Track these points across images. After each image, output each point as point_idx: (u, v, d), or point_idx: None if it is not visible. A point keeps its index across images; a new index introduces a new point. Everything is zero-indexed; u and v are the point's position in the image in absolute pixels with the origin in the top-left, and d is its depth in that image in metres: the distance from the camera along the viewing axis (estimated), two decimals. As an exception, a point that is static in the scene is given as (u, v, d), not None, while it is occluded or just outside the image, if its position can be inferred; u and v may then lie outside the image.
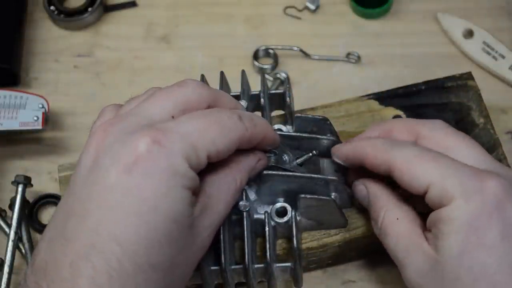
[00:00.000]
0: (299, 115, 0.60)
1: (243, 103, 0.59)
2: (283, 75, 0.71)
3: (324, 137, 0.58)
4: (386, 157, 0.53)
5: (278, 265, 0.55)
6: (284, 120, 0.62)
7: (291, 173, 0.56)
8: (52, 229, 0.47)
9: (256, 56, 0.73)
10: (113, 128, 0.48)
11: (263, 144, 0.53)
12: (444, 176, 0.50)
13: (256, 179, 0.57)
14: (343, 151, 0.56)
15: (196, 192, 0.48)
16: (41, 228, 0.65)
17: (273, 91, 0.61)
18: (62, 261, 0.45)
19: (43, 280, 0.45)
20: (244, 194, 0.56)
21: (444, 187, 0.50)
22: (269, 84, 0.70)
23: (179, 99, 0.50)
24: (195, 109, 0.50)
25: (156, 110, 0.49)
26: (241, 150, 0.52)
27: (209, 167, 0.50)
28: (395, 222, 0.54)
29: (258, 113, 0.59)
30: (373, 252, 0.62)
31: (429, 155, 0.51)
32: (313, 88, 0.72)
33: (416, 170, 0.51)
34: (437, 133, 0.54)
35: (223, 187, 0.51)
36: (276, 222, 0.56)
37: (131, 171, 0.45)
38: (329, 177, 0.56)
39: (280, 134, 0.58)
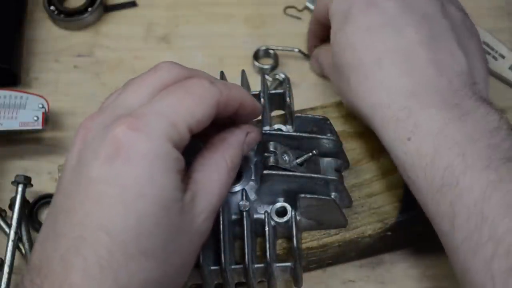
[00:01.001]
0: (299, 115, 0.60)
1: None
2: (282, 76, 0.71)
3: (324, 137, 0.58)
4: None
5: (278, 265, 0.55)
6: (284, 120, 0.62)
7: (291, 173, 0.56)
8: (44, 229, 0.48)
9: (256, 56, 0.73)
10: (93, 123, 0.48)
11: (243, 113, 0.52)
12: None
13: (256, 179, 0.57)
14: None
15: (184, 178, 0.48)
16: (40, 228, 0.65)
17: (273, 91, 0.61)
18: (54, 256, 0.45)
19: (37, 277, 0.45)
20: (244, 194, 0.56)
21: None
22: (269, 84, 0.70)
23: (155, 84, 0.49)
24: None
25: (133, 99, 0.49)
26: (225, 129, 0.52)
27: (196, 154, 0.50)
28: (324, 54, 0.67)
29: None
30: (373, 252, 0.62)
31: None
32: (313, 88, 0.72)
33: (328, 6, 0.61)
34: None
35: (212, 168, 0.50)
36: (276, 222, 0.56)
37: (113, 161, 0.45)
38: (329, 177, 0.56)
39: (280, 134, 0.58)
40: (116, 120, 0.47)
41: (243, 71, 0.60)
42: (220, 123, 0.52)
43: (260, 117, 0.60)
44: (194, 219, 0.48)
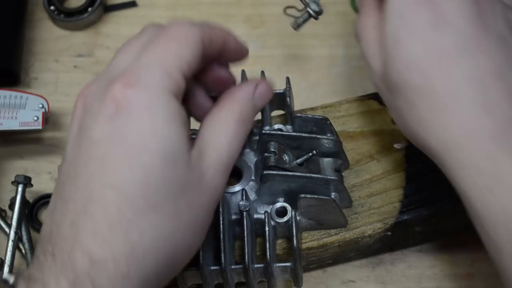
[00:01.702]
0: (299, 115, 0.60)
1: None
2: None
3: (324, 137, 0.58)
4: None
5: (278, 264, 0.55)
6: (284, 120, 0.62)
7: (291, 173, 0.56)
8: (52, 199, 0.47)
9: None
10: (89, 90, 0.48)
11: (229, 54, 0.51)
12: None
13: (256, 179, 0.57)
14: None
15: (188, 127, 0.47)
16: (41, 228, 0.65)
17: (273, 91, 0.61)
18: (63, 221, 0.44)
19: (48, 244, 0.45)
20: (244, 194, 0.56)
21: None
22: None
23: (142, 42, 0.49)
24: None
25: (123, 61, 0.48)
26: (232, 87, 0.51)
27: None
28: (370, 29, 0.54)
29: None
30: (373, 252, 0.62)
31: None
32: (313, 88, 0.72)
33: None
34: None
35: (219, 122, 0.49)
36: (276, 222, 0.56)
37: (113, 120, 0.45)
38: (329, 177, 0.56)
39: (280, 134, 0.58)
40: (111, 81, 0.46)
41: (243, 71, 0.60)
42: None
43: (260, 117, 0.60)
44: (203, 174, 0.47)
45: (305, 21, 0.64)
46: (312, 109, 0.64)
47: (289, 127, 0.61)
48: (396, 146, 0.62)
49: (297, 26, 0.64)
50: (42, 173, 0.68)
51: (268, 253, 0.54)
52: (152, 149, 0.44)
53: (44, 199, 0.66)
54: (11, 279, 0.45)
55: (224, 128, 0.49)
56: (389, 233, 0.59)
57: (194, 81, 0.52)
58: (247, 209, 0.55)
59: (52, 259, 0.44)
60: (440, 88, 0.48)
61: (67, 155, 0.48)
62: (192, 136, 0.50)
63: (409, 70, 0.49)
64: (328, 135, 0.59)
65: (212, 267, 0.54)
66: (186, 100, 0.52)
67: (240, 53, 0.53)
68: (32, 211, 0.66)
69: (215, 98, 0.53)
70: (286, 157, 0.57)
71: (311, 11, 0.60)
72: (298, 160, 0.57)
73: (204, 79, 0.52)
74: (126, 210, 0.43)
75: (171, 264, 0.46)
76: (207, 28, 0.49)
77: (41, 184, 0.67)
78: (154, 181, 0.44)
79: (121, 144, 0.44)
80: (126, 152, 0.44)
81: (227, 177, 0.49)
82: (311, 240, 0.58)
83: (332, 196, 0.57)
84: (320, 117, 0.60)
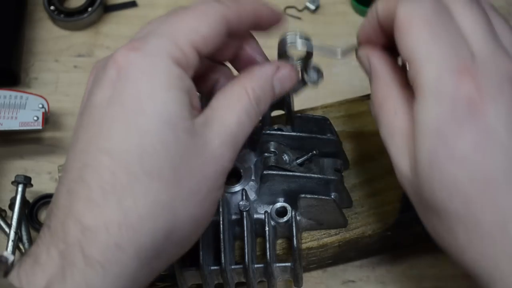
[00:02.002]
0: (299, 115, 0.60)
1: None
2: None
3: (324, 137, 0.58)
4: (394, 4, 0.46)
5: (278, 264, 0.55)
6: (284, 120, 0.62)
7: (291, 173, 0.56)
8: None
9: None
10: (101, 61, 0.47)
11: (263, 23, 0.50)
12: (428, 59, 0.44)
13: (256, 179, 0.57)
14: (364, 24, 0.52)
15: (195, 103, 0.46)
16: (41, 228, 0.65)
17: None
18: (61, 192, 0.44)
19: (48, 218, 0.44)
20: (244, 194, 0.56)
21: (419, 71, 0.44)
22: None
23: (164, 17, 0.48)
24: None
25: (140, 31, 0.47)
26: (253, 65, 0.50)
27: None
28: (391, 114, 0.48)
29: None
30: (373, 252, 0.62)
31: (437, 23, 0.45)
32: (313, 88, 0.72)
33: (408, 35, 0.45)
34: None
35: (231, 97, 0.47)
36: (276, 222, 0.56)
37: (114, 83, 0.44)
38: (329, 177, 0.56)
39: (280, 134, 0.58)
40: (120, 48, 0.46)
41: None
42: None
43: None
44: (207, 143, 0.45)
45: (299, 89, 0.55)
46: (312, 109, 0.64)
47: (289, 127, 0.61)
48: None
49: (294, 93, 0.58)
50: (42, 173, 0.68)
51: (268, 253, 0.54)
52: (149, 112, 0.43)
53: (44, 199, 0.66)
54: (10, 258, 0.44)
55: (235, 102, 0.47)
56: (389, 233, 0.59)
57: (221, 66, 0.51)
58: (247, 209, 0.55)
59: (47, 231, 0.43)
60: (484, 218, 0.43)
61: (75, 124, 0.46)
62: None
63: (448, 195, 0.44)
64: (328, 135, 0.59)
65: (212, 267, 0.54)
66: (210, 82, 0.51)
67: (275, 20, 0.50)
68: (32, 211, 0.66)
69: None
70: (286, 157, 0.57)
71: (308, 82, 0.53)
72: (298, 160, 0.57)
73: (236, 60, 0.51)
74: (120, 175, 0.42)
75: (173, 236, 0.44)
76: (235, 5, 0.47)
77: (41, 184, 0.67)
78: (150, 145, 0.42)
79: (119, 107, 0.43)
80: (122, 115, 0.43)
81: (235, 151, 0.46)
82: (311, 240, 0.58)
83: (332, 196, 0.57)
84: (320, 117, 0.60)
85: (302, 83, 0.52)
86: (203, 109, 0.47)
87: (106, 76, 0.45)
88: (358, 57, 0.52)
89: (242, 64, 0.52)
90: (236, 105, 0.47)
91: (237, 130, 0.46)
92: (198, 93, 0.47)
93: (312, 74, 0.52)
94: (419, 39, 0.45)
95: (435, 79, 0.43)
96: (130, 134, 0.43)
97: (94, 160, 0.43)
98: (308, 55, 0.51)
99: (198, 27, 0.45)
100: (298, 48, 0.50)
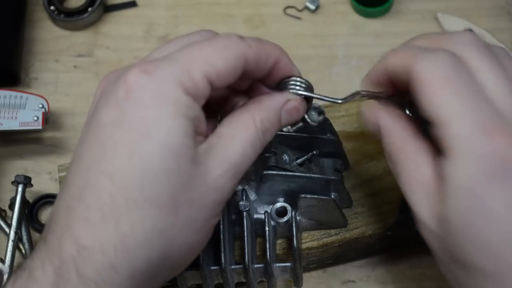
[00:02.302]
0: (299, 115, 0.60)
1: None
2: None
3: (324, 137, 0.58)
4: (409, 60, 0.46)
5: (278, 264, 0.55)
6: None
7: (291, 173, 0.56)
8: (63, 182, 0.47)
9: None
10: (112, 73, 0.47)
11: (278, 73, 0.49)
12: (455, 118, 0.44)
13: (256, 179, 0.57)
14: (369, 74, 0.52)
15: (201, 129, 0.46)
16: (41, 228, 0.65)
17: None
18: (60, 207, 0.44)
19: (46, 231, 0.44)
20: (244, 194, 0.56)
21: (447, 131, 0.44)
22: None
23: (184, 43, 0.47)
24: None
25: (158, 53, 0.47)
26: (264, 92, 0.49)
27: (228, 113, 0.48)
28: (410, 166, 0.47)
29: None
30: (373, 252, 0.62)
31: (459, 82, 0.44)
32: (313, 88, 0.72)
33: (431, 94, 0.45)
34: (467, 51, 0.46)
35: (238, 126, 0.47)
36: (276, 222, 0.56)
37: (121, 104, 0.44)
38: (329, 177, 0.56)
39: (280, 134, 0.58)
40: (133, 66, 0.45)
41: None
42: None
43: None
44: (209, 172, 0.45)
45: (298, 124, 0.53)
46: (312, 109, 0.64)
47: (289, 127, 0.61)
48: None
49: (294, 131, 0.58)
50: (42, 173, 0.68)
51: (268, 253, 0.54)
52: (154, 138, 0.43)
53: (44, 199, 0.66)
54: (5, 270, 0.44)
55: (242, 131, 0.47)
56: (389, 233, 0.59)
57: (238, 95, 0.51)
58: (247, 209, 0.55)
59: (43, 245, 0.43)
60: None
61: (80, 138, 0.46)
62: None
63: (478, 252, 0.43)
64: (328, 135, 0.59)
65: (212, 267, 0.54)
66: (230, 105, 0.50)
67: (290, 73, 0.50)
68: (32, 211, 0.66)
69: None
70: (286, 157, 0.57)
71: (309, 120, 0.52)
72: (298, 160, 0.57)
73: (251, 95, 0.51)
74: (120, 199, 0.42)
75: (168, 261, 0.44)
76: (256, 46, 0.47)
77: (41, 184, 0.67)
78: (152, 171, 0.43)
79: (124, 129, 0.43)
80: (127, 138, 0.43)
81: (236, 181, 0.46)
82: (311, 240, 0.58)
83: (332, 196, 0.57)
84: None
85: (302, 120, 0.52)
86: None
87: (114, 94, 0.44)
88: (362, 113, 0.52)
89: (252, 91, 0.51)
90: (243, 135, 0.47)
91: (241, 161, 0.46)
92: (216, 116, 0.48)
93: (314, 115, 0.52)
94: (443, 99, 0.44)
95: (465, 138, 0.43)
96: (133, 159, 0.43)
97: (95, 181, 0.43)
98: (308, 100, 0.52)
99: (214, 61, 0.45)
100: (297, 93, 0.50)
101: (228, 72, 0.46)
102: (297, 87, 0.50)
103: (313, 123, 0.52)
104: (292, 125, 0.52)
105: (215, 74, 0.45)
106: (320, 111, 0.52)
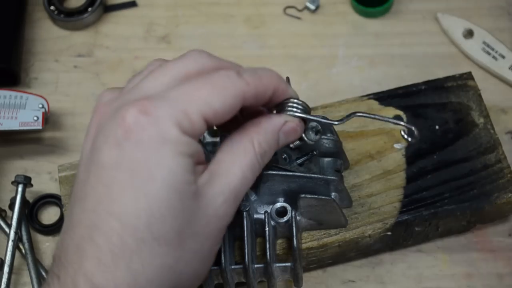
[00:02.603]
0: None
1: None
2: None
3: (324, 137, 0.58)
4: None
5: (278, 264, 0.55)
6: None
7: (291, 173, 0.56)
8: (65, 220, 0.48)
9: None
10: (107, 108, 0.47)
11: (277, 100, 0.50)
12: None
13: (256, 179, 0.57)
14: None
15: (200, 160, 0.47)
16: (41, 228, 0.65)
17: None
18: (70, 245, 0.45)
19: (56, 267, 0.45)
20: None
21: None
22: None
23: (179, 72, 0.48)
24: None
25: (153, 86, 0.47)
26: (262, 114, 0.50)
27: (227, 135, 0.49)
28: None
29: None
30: (373, 252, 0.62)
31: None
32: (313, 88, 0.72)
33: None
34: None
35: (237, 150, 0.48)
36: (276, 222, 0.56)
37: (121, 144, 0.45)
38: (329, 177, 0.56)
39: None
40: (129, 102, 0.46)
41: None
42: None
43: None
44: (211, 202, 0.46)
45: (296, 143, 0.55)
46: (312, 109, 0.64)
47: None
48: (396, 146, 0.62)
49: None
50: (42, 173, 0.68)
51: (268, 253, 0.54)
52: (158, 179, 0.44)
53: (44, 199, 0.66)
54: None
55: (241, 157, 0.48)
56: (389, 233, 0.59)
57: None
58: (247, 209, 0.55)
59: (57, 282, 0.45)
60: None
61: (79, 175, 0.48)
62: None
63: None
64: (328, 135, 0.59)
65: (212, 267, 0.54)
66: (237, 123, 0.51)
67: (288, 96, 0.51)
68: (32, 211, 0.66)
69: None
70: (286, 157, 0.57)
71: (306, 139, 0.53)
72: (298, 160, 0.57)
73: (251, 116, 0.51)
74: (129, 240, 0.44)
75: None
76: (255, 81, 0.48)
77: (41, 184, 0.67)
78: (158, 211, 0.44)
79: (128, 172, 0.44)
80: (131, 180, 0.44)
81: (236, 205, 0.48)
82: (311, 240, 0.58)
83: (332, 196, 0.57)
84: (320, 117, 0.59)
85: (299, 139, 0.53)
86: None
87: (113, 134, 0.45)
88: None
89: (249, 113, 0.52)
90: (242, 159, 0.48)
91: (240, 185, 0.48)
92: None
93: (311, 134, 0.53)
94: None
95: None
96: (139, 200, 0.44)
97: (103, 222, 0.44)
98: (306, 121, 0.52)
99: (212, 101, 0.46)
100: (295, 115, 0.51)
101: (225, 111, 0.47)
102: (295, 109, 0.51)
103: (310, 142, 0.53)
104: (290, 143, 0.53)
105: (212, 114, 0.46)
106: (317, 131, 0.53)
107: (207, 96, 0.46)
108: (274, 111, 0.52)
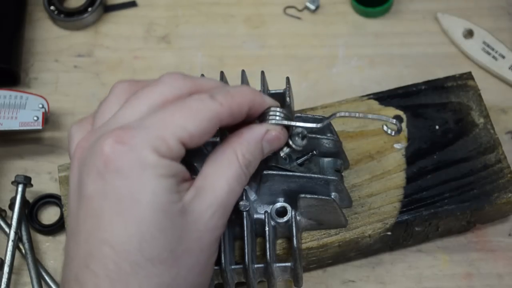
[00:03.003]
0: (299, 115, 0.60)
1: None
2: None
3: (324, 137, 0.58)
4: None
5: (278, 264, 0.55)
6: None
7: (291, 173, 0.56)
8: (65, 255, 0.49)
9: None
10: (86, 142, 0.48)
11: (255, 114, 0.51)
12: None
13: (256, 179, 0.57)
14: None
15: (185, 177, 0.48)
16: (41, 228, 0.65)
17: (273, 91, 0.61)
18: (70, 278, 0.46)
19: None
20: (244, 194, 0.56)
21: None
22: None
23: (155, 100, 0.49)
24: None
25: (129, 115, 0.48)
26: (245, 124, 0.51)
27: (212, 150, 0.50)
28: None
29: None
30: (373, 252, 0.62)
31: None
32: (313, 88, 0.72)
33: None
34: None
35: (221, 163, 0.49)
36: (276, 222, 0.56)
37: (103, 175, 0.46)
38: (329, 177, 0.56)
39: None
40: (105, 134, 0.47)
41: (243, 71, 0.60)
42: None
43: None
44: (200, 217, 0.47)
45: (284, 150, 0.55)
46: (312, 109, 0.64)
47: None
48: (396, 146, 0.62)
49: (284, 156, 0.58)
50: (42, 173, 0.68)
51: (268, 253, 0.54)
52: (143, 203, 0.45)
53: (44, 199, 0.66)
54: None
55: (226, 169, 0.49)
56: (389, 233, 0.59)
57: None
58: (247, 209, 0.55)
59: None
60: None
61: (70, 209, 0.49)
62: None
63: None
64: (328, 135, 0.59)
65: (212, 267, 0.54)
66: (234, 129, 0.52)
67: (266, 107, 0.52)
68: (32, 211, 0.66)
69: None
70: (286, 157, 0.57)
71: (293, 145, 0.53)
72: (298, 160, 0.57)
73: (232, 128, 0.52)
74: (124, 264, 0.45)
75: None
76: (228, 101, 0.49)
77: (41, 184, 0.67)
78: (148, 233, 0.45)
79: (114, 200, 0.45)
80: (118, 207, 0.45)
81: (227, 217, 0.49)
82: (311, 240, 0.58)
83: (332, 196, 0.57)
84: (320, 117, 0.59)
85: (287, 146, 0.54)
86: None
87: (94, 165, 0.46)
88: None
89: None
90: (227, 172, 0.49)
91: (228, 197, 0.49)
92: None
93: (297, 140, 0.54)
94: None
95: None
96: (128, 225, 0.45)
97: (97, 251, 0.45)
98: (288, 127, 0.53)
99: (186, 125, 0.47)
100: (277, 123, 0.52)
101: (201, 133, 0.48)
102: (277, 117, 0.52)
103: (298, 148, 0.54)
104: (280, 151, 0.54)
105: (188, 138, 0.47)
106: (304, 136, 0.54)
107: (182, 121, 0.47)
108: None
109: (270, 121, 0.52)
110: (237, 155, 0.49)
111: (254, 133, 0.51)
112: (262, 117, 0.52)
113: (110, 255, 0.45)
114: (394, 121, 0.52)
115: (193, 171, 0.51)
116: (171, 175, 0.46)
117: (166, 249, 0.46)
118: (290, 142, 0.53)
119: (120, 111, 0.49)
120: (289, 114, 0.53)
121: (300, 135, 0.54)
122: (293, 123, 0.52)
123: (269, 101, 0.52)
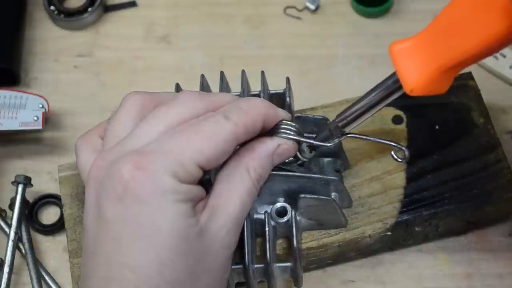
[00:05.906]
0: (299, 115, 0.60)
1: None
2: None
3: (324, 137, 0.58)
4: None
5: (278, 265, 0.55)
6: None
7: (291, 173, 0.56)
8: (81, 274, 0.49)
9: None
10: (104, 162, 0.49)
11: (269, 127, 0.52)
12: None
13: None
14: None
15: (201, 196, 0.49)
16: (41, 228, 0.65)
17: (273, 91, 0.61)
18: None
19: None
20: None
21: None
22: None
23: (172, 120, 0.50)
24: None
25: (145, 136, 0.49)
26: (256, 137, 0.51)
27: (223, 164, 0.50)
28: None
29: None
30: (373, 252, 0.62)
31: None
32: (313, 88, 0.72)
33: None
34: None
35: (233, 179, 0.50)
36: (276, 222, 0.56)
37: (123, 201, 0.46)
38: (329, 177, 0.56)
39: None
40: (124, 157, 0.47)
41: (243, 71, 0.60)
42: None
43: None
44: (216, 236, 0.49)
45: (291, 161, 0.56)
46: (312, 109, 0.64)
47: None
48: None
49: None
50: (42, 173, 0.68)
51: (268, 253, 0.54)
52: (163, 229, 0.46)
53: (44, 199, 0.66)
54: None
55: (238, 185, 0.50)
56: (389, 233, 0.59)
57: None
58: (247, 209, 0.55)
59: None
60: None
61: (87, 229, 0.49)
62: None
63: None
64: (328, 135, 0.59)
65: (212, 267, 0.54)
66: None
67: (279, 119, 0.53)
68: (32, 211, 0.66)
69: None
70: (286, 157, 0.57)
71: (301, 158, 0.55)
72: (299, 161, 0.57)
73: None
74: (144, 287, 0.45)
75: None
76: (242, 120, 0.49)
77: (41, 184, 0.67)
78: (167, 258, 0.46)
79: (133, 226, 0.46)
80: (139, 233, 0.46)
81: (239, 231, 0.50)
82: (311, 240, 0.58)
83: (332, 196, 0.57)
84: (320, 117, 0.60)
85: (294, 157, 0.55)
86: None
87: (113, 190, 0.47)
88: None
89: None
90: (239, 188, 0.50)
91: (241, 212, 0.50)
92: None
93: (306, 152, 0.55)
94: None
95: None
96: (148, 251, 0.46)
97: (118, 274, 0.46)
98: (299, 142, 0.54)
99: (203, 149, 0.48)
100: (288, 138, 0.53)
101: (218, 155, 0.49)
102: (288, 131, 0.52)
103: (305, 159, 0.55)
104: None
105: (206, 161, 0.48)
106: (312, 148, 0.55)
107: (199, 145, 0.48)
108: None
109: (281, 135, 0.52)
110: (249, 171, 0.50)
111: (266, 147, 0.52)
112: (273, 130, 0.53)
113: (131, 279, 0.45)
114: (404, 148, 0.53)
115: (206, 182, 0.51)
116: (189, 199, 0.47)
117: (185, 271, 0.47)
118: (298, 155, 0.54)
119: (137, 130, 0.50)
120: (300, 129, 0.54)
121: (309, 148, 0.55)
122: (303, 140, 0.53)
123: (282, 113, 0.53)
